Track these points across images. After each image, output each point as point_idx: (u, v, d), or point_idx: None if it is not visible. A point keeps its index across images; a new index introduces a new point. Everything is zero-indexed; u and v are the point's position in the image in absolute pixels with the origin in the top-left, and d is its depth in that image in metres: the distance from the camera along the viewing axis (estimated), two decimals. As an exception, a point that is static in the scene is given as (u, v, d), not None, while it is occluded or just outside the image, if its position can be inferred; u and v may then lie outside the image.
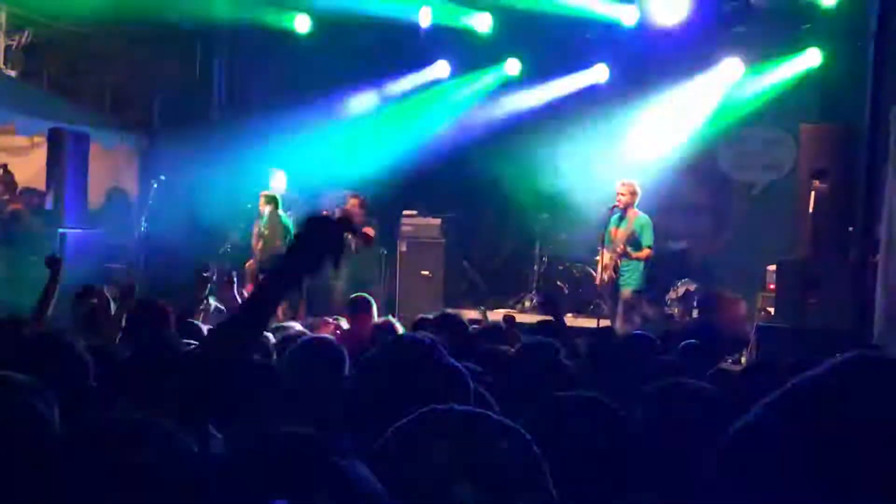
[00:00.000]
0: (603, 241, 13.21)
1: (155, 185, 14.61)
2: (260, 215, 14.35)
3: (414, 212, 16.20)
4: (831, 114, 13.93)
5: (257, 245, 14.27)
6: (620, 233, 13.01)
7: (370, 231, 13.79)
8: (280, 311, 15.71)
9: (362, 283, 13.55)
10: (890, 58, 11.92)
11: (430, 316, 8.34)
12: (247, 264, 14.32)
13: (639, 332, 7.17)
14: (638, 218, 13.05)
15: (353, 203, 13.96)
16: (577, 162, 15.92)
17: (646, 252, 12.93)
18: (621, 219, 13.07)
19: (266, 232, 14.15)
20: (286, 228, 14.03)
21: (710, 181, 16.09)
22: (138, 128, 17.11)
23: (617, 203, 13.03)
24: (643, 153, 15.42)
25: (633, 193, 13.06)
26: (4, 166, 15.63)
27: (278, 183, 14.73)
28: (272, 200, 14.27)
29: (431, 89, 16.80)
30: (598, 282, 13.47)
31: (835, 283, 11.52)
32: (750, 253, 14.91)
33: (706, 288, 15.23)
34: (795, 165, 14.31)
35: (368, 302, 9.36)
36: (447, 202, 16.47)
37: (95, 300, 7.85)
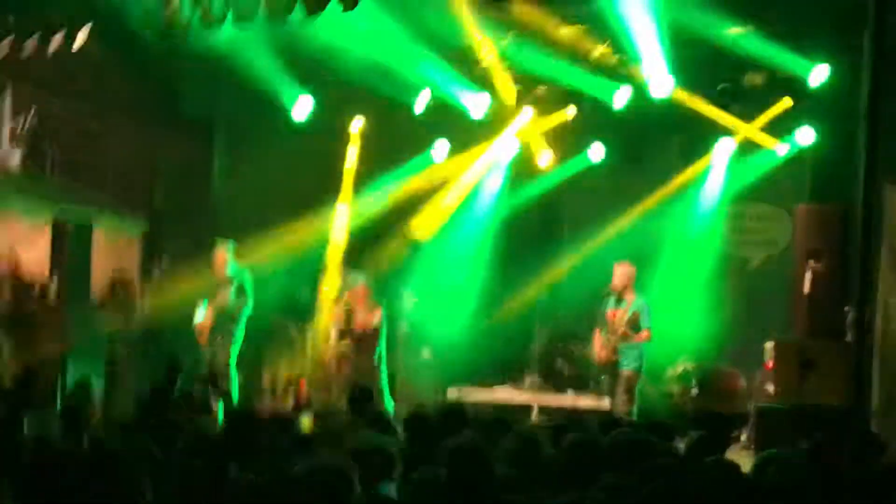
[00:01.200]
0: (599, 323, 13.29)
1: (157, 270, 14.70)
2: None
3: (412, 292, 16.31)
4: (825, 192, 14.06)
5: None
6: (619, 315, 13.08)
7: (364, 321, 13.87)
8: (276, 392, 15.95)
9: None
10: (881, 138, 12.03)
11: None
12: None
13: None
14: (636, 300, 13.13)
15: (358, 288, 14.06)
16: (576, 240, 16.09)
17: (645, 334, 13.02)
18: (619, 301, 13.16)
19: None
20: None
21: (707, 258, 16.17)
22: (140, 210, 17.22)
23: (613, 286, 13.11)
24: (640, 231, 15.56)
25: (630, 276, 13.16)
26: (11, 251, 15.73)
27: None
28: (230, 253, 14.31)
29: (429, 172, 16.94)
30: (595, 361, 13.52)
31: (832, 363, 11.60)
32: (747, 329, 15.00)
33: (704, 365, 15.31)
34: (791, 242, 14.43)
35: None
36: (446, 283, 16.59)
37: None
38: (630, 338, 12.97)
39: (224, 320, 13.98)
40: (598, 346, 13.20)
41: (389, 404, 13.89)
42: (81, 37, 13.23)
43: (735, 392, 15.03)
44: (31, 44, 13.32)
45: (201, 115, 16.73)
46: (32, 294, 15.28)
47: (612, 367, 13.07)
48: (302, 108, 15.90)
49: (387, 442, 6.45)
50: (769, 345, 13.30)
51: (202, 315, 13.98)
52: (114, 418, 8.28)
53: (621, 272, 13.16)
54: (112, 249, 16.75)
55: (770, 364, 13.13)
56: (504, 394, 15.59)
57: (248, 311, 14.04)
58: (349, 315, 13.93)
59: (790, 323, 12.76)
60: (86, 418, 7.55)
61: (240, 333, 14.10)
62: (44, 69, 16.77)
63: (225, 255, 14.12)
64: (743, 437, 13.64)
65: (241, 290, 14.02)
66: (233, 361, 13.97)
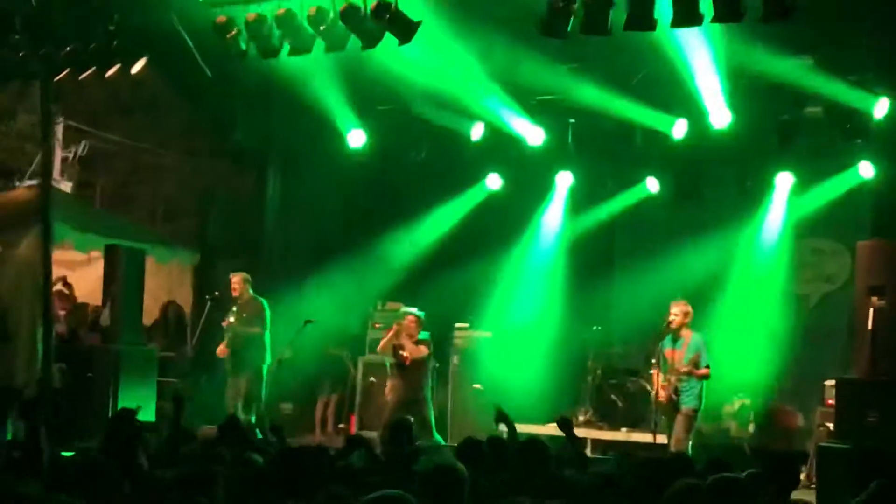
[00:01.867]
0: (657, 362, 13.10)
1: (209, 301, 14.68)
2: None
3: (465, 325, 16.21)
4: (886, 228, 13.83)
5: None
6: (678, 354, 12.88)
7: (411, 352, 13.79)
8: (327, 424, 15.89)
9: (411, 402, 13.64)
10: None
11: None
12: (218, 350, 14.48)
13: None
14: (693, 338, 12.94)
15: (409, 320, 13.98)
16: (630, 274, 15.95)
17: (704, 371, 12.80)
18: (675, 340, 12.97)
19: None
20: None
21: (766, 294, 15.94)
22: (192, 242, 17.25)
23: (671, 324, 12.92)
24: (696, 266, 15.38)
25: (687, 314, 12.96)
26: (64, 279, 15.78)
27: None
28: (247, 281, 14.46)
29: (483, 203, 16.86)
30: (654, 401, 13.33)
31: (895, 401, 11.36)
32: (806, 366, 14.78)
33: (763, 402, 15.09)
34: (850, 278, 14.19)
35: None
36: (498, 314, 16.46)
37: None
38: (691, 376, 12.75)
39: (239, 347, 14.14)
40: (658, 386, 13.01)
41: (438, 438, 13.78)
42: (139, 66, 13.27)
43: (793, 430, 14.81)
44: (89, 73, 13.37)
45: (255, 146, 16.71)
46: (86, 321, 15.38)
47: (671, 406, 12.87)
48: (357, 136, 15.83)
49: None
50: (830, 382, 13.07)
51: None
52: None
53: (679, 311, 12.95)
54: (164, 280, 16.80)
55: (830, 402, 12.90)
56: (555, 429, 15.37)
57: (265, 338, 14.35)
58: (396, 348, 13.86)
59: (850, 361, 12.50)
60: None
61: (259, 361, 14.28)
62: (98, 101, 16.93)
63: (239, 284, 14.28)
64: (803, 476, 13.41)
65: (254, 318, 14.08)
66: (259, 390, 14.03)
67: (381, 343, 14.26)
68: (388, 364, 14.77)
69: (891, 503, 6.12)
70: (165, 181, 18.04)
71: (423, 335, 14.10)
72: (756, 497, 6.36)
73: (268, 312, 14.41)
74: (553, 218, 17.02)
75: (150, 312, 16.29)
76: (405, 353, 13.83)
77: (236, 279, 14.47)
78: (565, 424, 9.57)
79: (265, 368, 14.35)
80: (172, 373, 15.58)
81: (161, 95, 16.70)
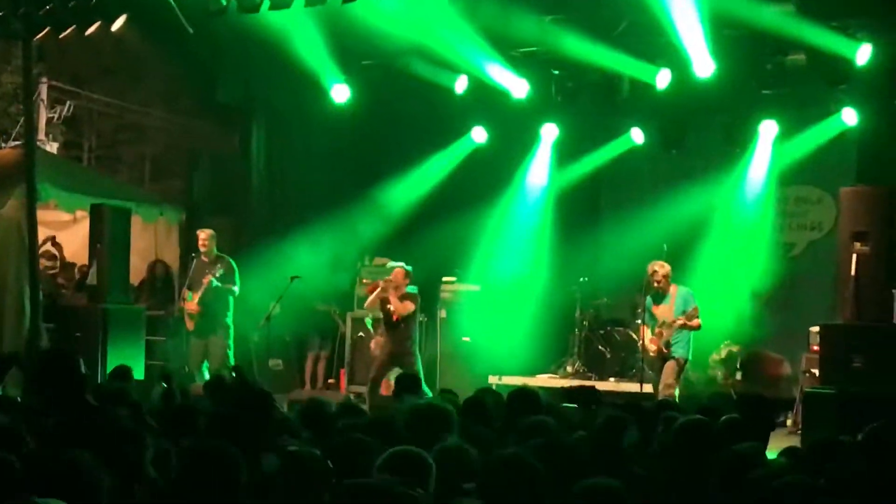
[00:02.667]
0: (645, 318, 13.17)
1: (195, 259, 14.66)
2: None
3: (453, 278, 16.26)
4: (870, 174, 13.85)
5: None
6: (666, 309, 12.93)
7: (397, 308, 13.81)
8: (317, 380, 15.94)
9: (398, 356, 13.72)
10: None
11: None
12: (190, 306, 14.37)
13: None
14: (680, 291, 12.99)
15: (396, 273, 13.98)
16: (616, 226, 15.99)
17: (697, 322, 12.86)
18: (661, 296, 13.01)
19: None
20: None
21: (751, 242, 15.98)
22: (178, 200, 17.23)
23: (655, 285, 12.97)
24: (683, 215, 15.40)
25: (667, 274, 13.01)
26: (52, 238, 15.78)
27: None
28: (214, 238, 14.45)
29: (469, 156, 16.86)
30: (641, 351, 13.40)
31: (879, 346, 11.44)
32: (792, 313, 14.85)
33: (749, 349, 15.17)
34: (835, 225, 14.23)
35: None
36: (485, 268, 16.50)
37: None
38: (684, 328, 12.81)
39: (213, 306, 14.06)
40: (649, 340, 13.08)
41: (427, 391, 13.83)
42: (119, 24, 13.21)
43: (780, 376, 14.91)
44: (68, 32, 13.31)
45: (238, 103, 16.66)
46: (73, 281, 15.38)
47: (661, 358, 12.95)
48: (341, 91, 15.77)
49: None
50: (815, 329, 13.14)
51: (189, 300, 14.15)
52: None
53: (660, 273, 12.98)
54: (151, 239, 16.80)
55: (816, 348, 12.98)
56: (545, 380, 15.49)
57: (235, 294, 14.24)
58: (384, 302, 13.88)
59: (836, 307, 12.56)
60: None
61: (231, 318, 14.22)
62: (81, 62, 16.88)
63: (209, 240, 14.17)
64: (789, 422, 13.52)
65: (225, 275, 14.06)
66: (230, 347, 14.03)
67: (369, 299, 14.27)
68: (369, 323, 14.88)
69: (886, 444, 6.15)
70: (151, 140, 18.03)
71: (411, 289, 14.12)
72: (731, 440, 6.42)
73: (238, 269, 14.35)
74: (539, 170, 17.01)
75: (138, 271, 16.27)
76: (392, 309, 13.86)
77: (205, 235, 14.31)
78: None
79: (232, 326, 14.31)
80: (161, 331, 15.59)
81: (144, 55, 16.62)
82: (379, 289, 13.97)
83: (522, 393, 8.12)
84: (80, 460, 4.42)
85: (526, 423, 6.66)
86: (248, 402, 6.89)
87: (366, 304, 14.57)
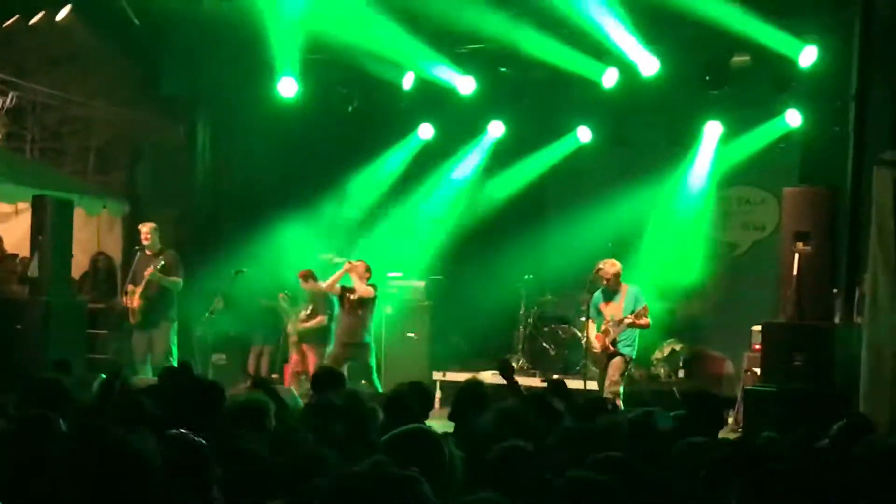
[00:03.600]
0: (591, 314, 13.21)
1: (136, 250, 14.53)
2: None
3: (399, 274, 16.24)
4: (812, 175, 13.98)
5: None
6: (615, 307, 12.99)
7: (359, 291, 13.81)
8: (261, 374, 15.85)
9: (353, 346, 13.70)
10: (871, 119, 11.99)
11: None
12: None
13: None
14: (630, 290, 13.06)
15: (359, 263, 14.01)
16: (562, 224, 16.04)
17: (646, 321, 12.93)
18: (611, 293, 13.07)
19: None
20: None
21: (694, 241, 16.09)
22: (122, 193, 17.09)
23: (605, 283, 13.02)
24: (628, 214, 15.48)
25: (617, 273, 13.07)
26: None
27: None
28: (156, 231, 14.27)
29: (416, 153, 16.85)
30: (590, 351, 13.43)
31: (820, 345, 11.55)
32: (735, 313, 14.95)
33: (692, 348, 15.27)
34: (778, 226, 14.36)
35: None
36: (431, 264, 16.50)
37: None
38: (634, 327, 12.88)
39: (156, 299, 13.94)
40: (595, 337, 13.12)
41: (377, 384, 13.84)
42: (63, 13, 13.10)
43: (722, 375, 15.03)
44: (12, 21, 13.19)
45: (184, 96, 16.54)
46: (15, 273, 15.20)
47: (606, 355, 13.00)
48: (289, 85, 15.71)
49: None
50: (757, 328, 13.24)
51: (132, 293, 13.97)
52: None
53: (611, 271, 13.04)
54: (94, 231, 16.64)
55: (757, 347, 13.07)
56: (489, 377, 15.47)
57: (179, 286, 14.09)
58: (344, 287, 13.91)
59: (778, 306, 12.67)
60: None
61: (174, 312, 14.11)
62: (26, 53, 16.67)
63: (151, 234, 14.06)
64: (730, 420, 13.61)
65: (169, 268, 13.95)
66: (174, 341, 13.93)
67: (330, 280, 14.25)
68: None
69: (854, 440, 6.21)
70: (95, 133, 17.81)
71: (372, 283, 14.18)
72: (678, 436, 6.45)
73: (181, 262, 14.23)
74: (486, 167, 17.05)
75: (80, 264, 16.11)
76: (353, 293, 13.86)
77: (147, 229, 14.15)
78: (505, 369, 9.32)
79: (176, 320, 14.21)
80: (103, 325, 15.46)
81: (89, 46, 16.47)
82: (342, 272, 13.99)
83: (470, 388, 8.11)
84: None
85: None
86: (198, 396, 6.85)
87: (325, 285, 14.49)
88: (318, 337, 14.46)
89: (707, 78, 14.27)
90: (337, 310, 14.28)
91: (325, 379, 8.84)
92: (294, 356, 14.72)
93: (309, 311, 14.60)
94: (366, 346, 13.96)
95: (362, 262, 14.12)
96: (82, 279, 16.43)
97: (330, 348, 14.24)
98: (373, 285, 14.09)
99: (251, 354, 16.44)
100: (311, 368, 13.79)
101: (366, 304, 13.95)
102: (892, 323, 10.94)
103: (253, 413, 6.64)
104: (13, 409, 6.88)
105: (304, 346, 14.54)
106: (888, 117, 11.90)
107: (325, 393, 7.87)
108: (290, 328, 14.91)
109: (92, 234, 16.60)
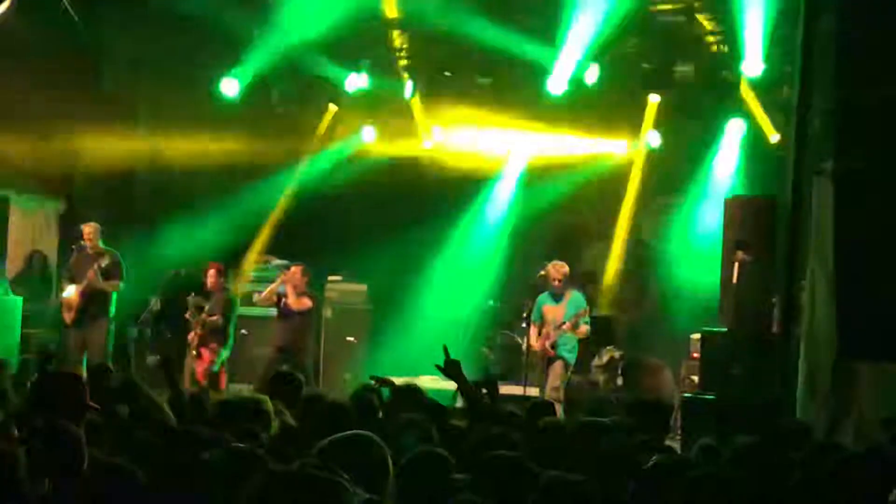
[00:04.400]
0: (530, 318, 13.24)
1: (74, 249, 14.35)
2: None
3: (339, 277, 16.12)
4: (753, 185, 14.08)
5: None
6: (559, 310, 13.05)
7: (294, 304, 13.73)
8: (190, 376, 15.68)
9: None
10: (811, 130, 12.06)
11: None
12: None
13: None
14: (574, 296, 13.15)
15: (294, 271, 13.91)
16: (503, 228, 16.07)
17: (585, 329, 13.04)
18: (555, 297, 13.13)
19: None
20: None
21: (633, 249, 16.15)
22: (58, 190, 16.87)
23: (553, 284, 13.07)
24: (567, 219, 15.52)
25: (566, 275, 13.14)
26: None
27: None
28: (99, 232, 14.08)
29: (353, 153, 16.79)
30: (531, 354, 13.44)
31: (758, 354, 11.60)
32: (674, 321, 14.99)
33: (630, 355, 15.29)
34: (720, 235, 14.43)
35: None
36: (372, 268, 16.38)
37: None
38: (572, 332, 12.95)
39: (94, 298, 13.74)
40: (535, 339, 13.16)
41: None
42: (4, 6, 12.90)
43: (660, 382, 15.03)
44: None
45: (124, 93, 16.38)
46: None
47: (546, 359, 13.04)
48: (231, 85, 15.61)
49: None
50: (695, 336, 13.29)
51: (70, 292, 13.75)
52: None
53: (559, 271, 13.10)
54: (29, 229, 16.42)
55: (696, 355, 13.12)
56: (428, 382, 15.41)
57: (120, 289, 13.92)
58: (279, 297, 13.81)
59: (717, 314, 12.72)
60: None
61: (111, 312, 13.93)
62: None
63: (94, 234, 13.87)
64: (668, 427, 13.64)
65: (111, 269, 13.78)
66: (110, 341, 13.76)
67: (264, 293, 14.16)
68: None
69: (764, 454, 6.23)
70: (32, 129, 17.55)
71: (311, 288, 14.09)
72: (624, 441, 6.43)
73: (124, 264, 14.07)
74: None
75: (15, 262, 15.90)
76: (289, 303, 13.78)
77: (90, 229, 13.96)
78: (489, 383, 8.53)
79: (113, 320, 14.03)
80: (36, 323, 15.23)
81: (28, 41, 16.24)
82: (276, 284, 13.91)
83: (407, 389, 8.08)
84: None
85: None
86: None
87: (259, 299, 14.40)
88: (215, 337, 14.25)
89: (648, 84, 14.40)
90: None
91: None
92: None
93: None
94: (302, 350, 13.93)
95: (296, 267, 14.01)
96: (17, 277, 16.20)
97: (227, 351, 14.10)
98: (311, 294, 14.00)
99: (187, 356, 16.24)
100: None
101: (302, 313, 13.87)
102: (829, 332, 11.00)
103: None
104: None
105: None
106: (828, 128, 11.99)
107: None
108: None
109: (27, 232, 16.38)
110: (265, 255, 16.21)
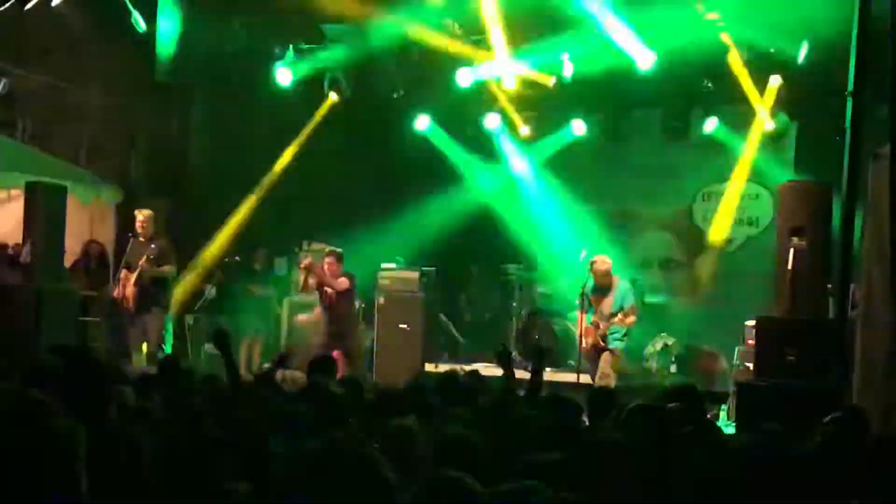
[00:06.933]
0: (583, 308, 13.24)
1: (131, 239, 14.49)
2: None
3: (392, 265, 16.16)
4: (807, 169, 13.99)
5: None
6: (606, 301, 13.04)
7: (333, 287, 13.76)
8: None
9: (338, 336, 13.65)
10: (866, 114, 11.95)
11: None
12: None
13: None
14: (620, 285, 13.11)
15: (328, 258, 13.94)
16: (556, 215, 16.05)
17: (632, 319, 13.00)
18: (602, 288, 13.12)
19: None
20: None
21: (687, 236, 16.10)
22: (115, 180, 17.03)
23: (601, 282, 13.07)
24: (621, 208, 15.49)
25: (608, 268, 13.13)
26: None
27: None
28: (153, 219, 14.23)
29: (414, 143, 16.84)
30: (581, 346, 13.44)
31: (814, 340, 11.50)
32: (728, 308, 14.94)
33: (684, 342, 15.26)
34: (772, 221, 14.36)
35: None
36: (425, 255, 16.44)
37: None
38: (621, 321, 12.93)
39: (149, 286, 13.87)
40: (584, 330, 13.16)
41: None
42: (58, -1, 13.06)
43: (714, 371, 14.99)
44: (6, 6, 13.11)
45: (179, 82, 16.50)
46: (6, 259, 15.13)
47: (596, 350, 13.05)
48: (285, 73, 15.70)
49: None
50: (750, 323, 13.23)
51: (126, 280, 13.90)
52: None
53: (603, 267, 13.09)
54: (87, 219, 16.58)
55: (751, 342, 13.06)
56: (481, 369, 15.44)
57: (174, 274, 14.14)
58: (319, 286, 13.87)
59: (773, 301, 12.65)
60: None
61: (168, 300, 14.11)
62: (19, 41, 16.59)
63: (146, 220, 13.99)
64: (723, 415, 13.59)
65: (163, 255, 13.90)
66: (168, 329, 13.86)
67: (302, 282, 14.24)
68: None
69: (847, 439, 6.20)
70: (89, 119, 17.73)
71: (346, 273, 14.09)
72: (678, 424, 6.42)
73: (174, 251, 14.19)
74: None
75: (72, 251, 16.05)
76: (329, 290, 13.82)
77: (143, 217, 14.10)
78: (503, 357, 8.85)
79: (170, 308, 14.15)
80: (95, 312, 15.39)
81: (83, 32, 16.41)
82: (309, 271, 13.94)
83: (451, 377, 8.13)
84: None
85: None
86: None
87: (300, 288, 14.48)
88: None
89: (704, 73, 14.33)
90: None
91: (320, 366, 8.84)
92: None
93: None
94: (348, 334, 14.02)
95: (331, 251, 14.05)
96: (74, 267, 16.36)
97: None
98: (348, 274, 14.02)
99: (243, 344, 16.36)
100: None
101: (343, 295, 13.91)
102: (886, 318, 10.91)
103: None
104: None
105: None
106: (882, 113, 11.87)
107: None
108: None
109: (84, 221, 16.53)
110: (318, 242, 16.27)
